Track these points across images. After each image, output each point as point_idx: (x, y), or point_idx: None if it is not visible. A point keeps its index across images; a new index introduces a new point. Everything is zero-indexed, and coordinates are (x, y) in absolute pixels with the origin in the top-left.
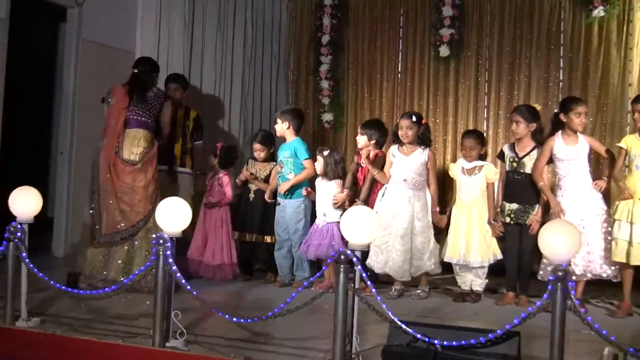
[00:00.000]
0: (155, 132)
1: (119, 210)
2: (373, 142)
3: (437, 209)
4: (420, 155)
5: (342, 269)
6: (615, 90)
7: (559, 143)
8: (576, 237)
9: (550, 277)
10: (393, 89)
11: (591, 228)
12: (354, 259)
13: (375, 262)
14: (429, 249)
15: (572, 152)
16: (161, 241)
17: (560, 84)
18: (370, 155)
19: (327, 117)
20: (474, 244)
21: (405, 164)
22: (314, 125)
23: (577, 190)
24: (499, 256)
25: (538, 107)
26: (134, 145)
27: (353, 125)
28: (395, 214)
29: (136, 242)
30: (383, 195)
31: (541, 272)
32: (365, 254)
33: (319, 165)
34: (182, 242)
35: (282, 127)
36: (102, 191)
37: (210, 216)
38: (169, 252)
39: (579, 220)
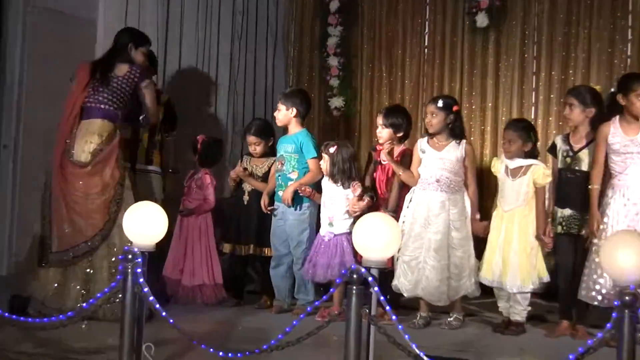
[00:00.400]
0: (127, 122)
1: (70, 222)
2: (400, 135)
3: (478, 215)
4: (456, 149)
5: (354, 291)
6: None
7: (615, 131)
8: None
9: (615, 303)
10: (418, 68)
11: None
12: (370, 279)
13: (404, 283)
14: (469, 265)
15: (631, 144)
16: (129, 256)
17: (628, 60)
18: (395, 153)
19: (336, 102)
20: (511, 265)
21: (437, 160)
22: (319, 113)
23: (634, 193)
24: (546, 279)
25: (599, 89)
26: (86, 142)
27: (368, 112)
28: (426, 222)
29: (96, 262)
30: (411, 201)
31: (583, 293)
32: (384, 273)
33: (325, 164)
34: (157, 257)
35: (286, 115)
36: (53, 198)
37: (188, 226)
38: (139, 270)
39: None
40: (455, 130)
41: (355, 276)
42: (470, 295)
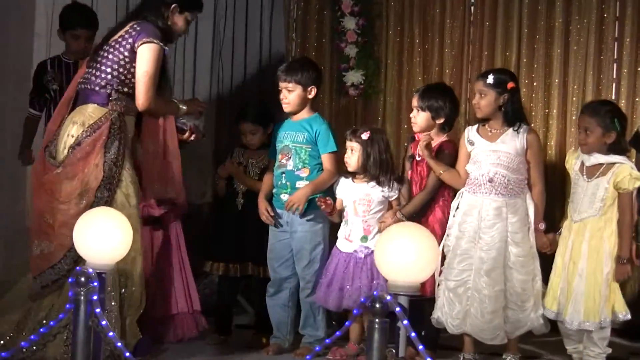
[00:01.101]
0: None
1: (39, 241)
2: (441, 122)
3: (543, 225)
4: (514, 139)
5: (377, 326)
6: None
7: None
8: None
9: None
10: (462, 32)
11: None
12: (397, 309)
13: (449, 315)
14: (534, 292)
15: None
16: (82, 279)
17: None
18: (432, 145)
19: (354, 77)
20: (575, 292)
21: (490, 154)
22: (331, 92)
23: None
24: (623, 315)
25: None
26: (68, 136)
27: (396, 91)
28: (477, 235)
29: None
30: (458, 208)
31: None
32: (419, 302)
33: (354, 156)
34: None
35: (303, 97)
36: (32, 212)
37: (154, 239)
38: (95, 298)
39: None
40: (511, 115)
41: (378, 305)
42: (536, 332)
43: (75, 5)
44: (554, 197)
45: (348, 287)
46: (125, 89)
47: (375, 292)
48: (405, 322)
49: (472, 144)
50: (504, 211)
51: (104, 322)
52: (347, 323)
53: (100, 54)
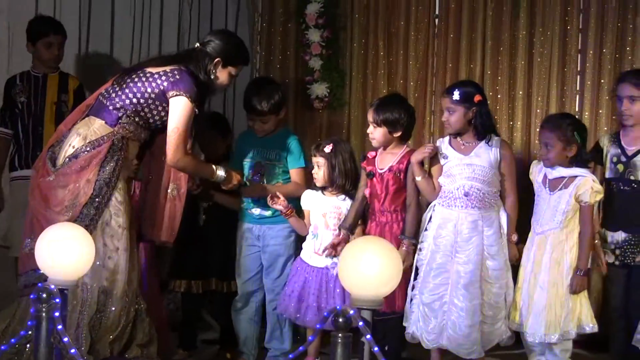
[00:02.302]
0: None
1: (29, 240)
2: (398, 135)
3: (515, 237)
4: (488, 151)
5: (339, 341)
6: None
7: None
8: None
9: None
10: (426, 44)
11: None
12: (360, 323)
13: (424, 330)
14: (506, 304)
15: None
16: (44, 296)
17: None
18: (394, 161)
19: (319, 90)
20: (537, 305)
21: (465, 168)
22: (296, 105)
23: None
24: (590, 328)
25: None
26: (69, 146)
27: (360, 104)
28: (453, 250)
29: None
30: (430, 221)
31: (638, 337)
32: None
33: (320, 172)
34: None
35: (273, 123)
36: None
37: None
38: (57, 314)
39: None
40: (481, 127)
41: (341, 320)
42: (503, 343)
43: (43, 16)
44: (520, 209)
45: (323, 305)
46: (137, 119)
47: (338, 307)
48: (368, 336)
49: (445, 157)
50: (480, 224)
51: (65, 339)
52: (310, 338)
53: (131, 76)
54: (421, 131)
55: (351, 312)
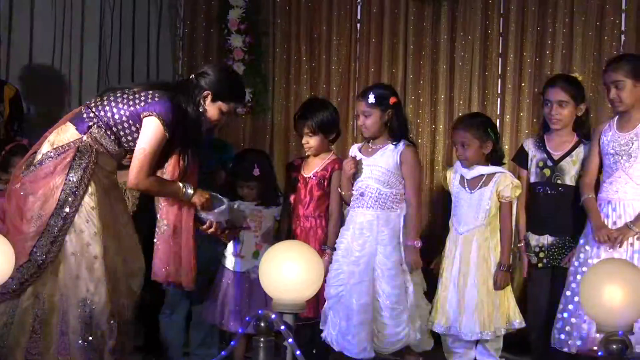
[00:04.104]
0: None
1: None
2: (331, 138)
3: (418, 243)
4: (390, 154)
5: (261, 345)
6: None
7: (609, 128)
8: None
9: (600, 353)
10: (348, 49)
11: None
12: (282, 327)
13: (329, 331)
14: (406, 306)
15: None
16: None
17: (622, 37)
18: (318, 167)
19: None
20: (470, 304)
21: (365, 169)
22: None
23: (627, 208)
24: (517, 324)
25: (580, 79)
26: (39, 150)
27: (283, 109)
28: (348, 249)
29: (16, 315)
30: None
31: (557, 337)
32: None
33: (254, 192)
34: None
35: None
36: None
37: None
38: None
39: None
40: (397, 129)
41: (263, 324)
42: (416, 348)
43: None
44: (443, 213)
45: (245, 310)
46: (109, 132)
47: (260, 311)
48: (290, 340)
49: (354, 159)
50: (374, 224)
51: None
52: (232, 343)
53: (116, 92)
54: (345, 136)
55: (273, 316)
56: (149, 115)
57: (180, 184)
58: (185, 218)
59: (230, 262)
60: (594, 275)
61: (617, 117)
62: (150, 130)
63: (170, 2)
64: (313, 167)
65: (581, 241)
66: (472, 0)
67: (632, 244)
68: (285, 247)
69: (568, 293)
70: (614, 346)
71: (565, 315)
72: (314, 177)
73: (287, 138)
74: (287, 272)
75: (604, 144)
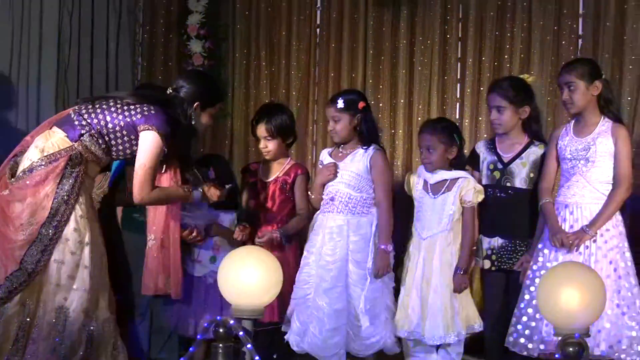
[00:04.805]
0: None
1: None
2: (289, 142)
3: (388, 246)
4: (360, 158)
5: (220, 351)
6: None
7: (566, 133)
8: (599, 291)
9: (557, 355)
10: (308, 54)
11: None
12: (240, 333)
13: (294, 333)
14: (382, 310)
15: (582, 149)
16: None
17: (579, 41)
18: (279, 171)
19: None
20: (433, 309)
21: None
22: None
23: (584, 211)
24: (478, 327)
25: (529, 80)
26: (27, 157)
27: (243, 114)
28: (318, 254)
29: (3, 324)
30: (312, 230)
31: (511, 339)
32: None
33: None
34: None
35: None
36: None
37: None
38: None
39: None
40: (366, 134)
41: (221, 330)
42: (387, 351)
43: None
44: (401, 218)
45: (202, 315)
46: (100, 141)
47: (219, 317)
48: (249, 346)
49: (321, 164)
50: (345, 229)
51: None
52: (191, 349)
53: (108, 100)
54: (304, 140)
55: (231, 322)
56: (148, 129)
57: (184, 188)
58: (172, 229)
59: (186, 266)
60: (551, 279)
61: (573, 121)
62: (150, 145)
63: (129, 8)
64: (273, 172)
65: (539, 245)
66: (431, 5)
67: (588, 247)
68: (244, 253)
69: (527, 297)
70: (571, 349)
71: (524, 319)
72: (276, 182)
73: (246, 143)
74: (245, 278)
75: (561, 149)
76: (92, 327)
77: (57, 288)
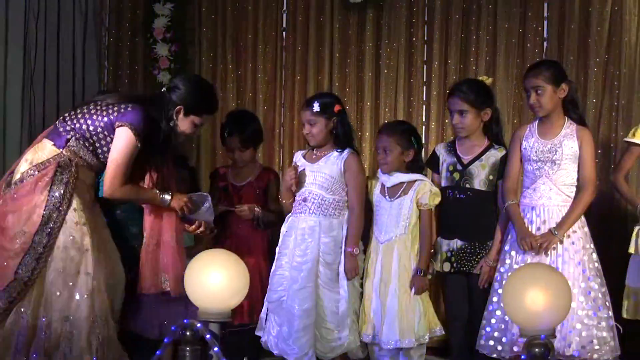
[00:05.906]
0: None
1: None
2: (257, 147)
3: (356, 249)
4: (335, 161)
5: (187, 354)
6: (633, 53)
7: (530, 135)
8: (564, 292)
9: (523, 357)
10: (274, 58)
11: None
12: (207, 336)
13: (271, 335)
14: (349, 312)
15: (547, 151)
16: None
17: (544, 44)
18: (252, 176)
19: None
20: (390, 313)
21: (309, 174)
22: None
23: (551, 213)
24: (439, 331)
25: (488, 82)
26: (18, 169)
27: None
28: (291, 254)
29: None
30: (286, 232)
31: (481, 342)
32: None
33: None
34: None
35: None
36: None
37: None
38: None
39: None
40: (342, 137)
41: (188, 333)
42: (351, 355)
43: None
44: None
45: (166, 323)
46: (87, 144)
47: (186, 321)
48: (216, 349)
49: (299, 168)
50: (317, 231)
51: None
52: (157, 352)
53: (89, 105)
54: (271, 143)
55: (198, 325)
56: (121, 126)
57: (157, 191)
58: (167, 227)
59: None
60: (516, 280)
61: (537, 122)
62: (122, 140)
63: (96, 11)
64: (245, 176)
65: (506, 247)
66: (397, 9)
67: (555, 249)
68: (211, 256)
69: (495, 299)
70: (537, 350)
71: (493, 321)
72: (249, 187)
73: (213, 147)
74: (212, 281)
75: (525, 150)
76: (99, 333)
77: (59, 297)
